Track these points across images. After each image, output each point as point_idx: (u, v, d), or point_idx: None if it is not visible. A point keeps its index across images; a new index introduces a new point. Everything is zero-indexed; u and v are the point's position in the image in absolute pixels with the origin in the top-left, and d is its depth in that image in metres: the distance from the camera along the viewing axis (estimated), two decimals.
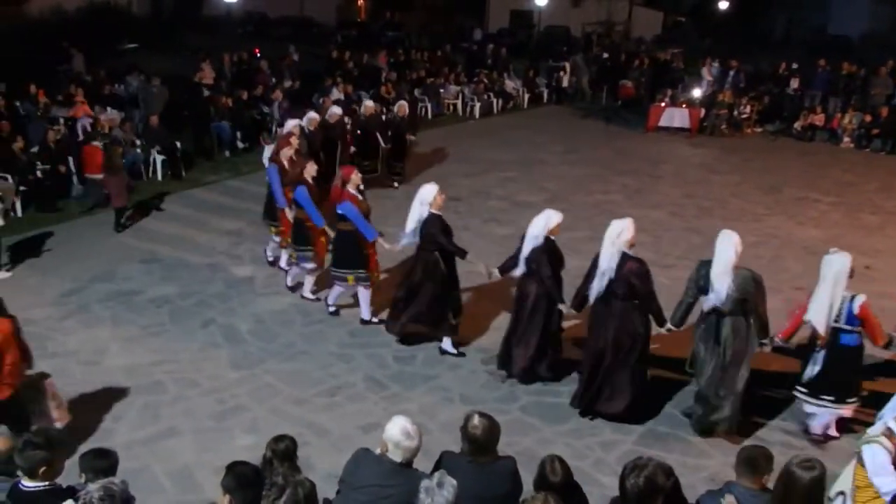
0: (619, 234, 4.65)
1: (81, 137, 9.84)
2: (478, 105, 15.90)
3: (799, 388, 4.67)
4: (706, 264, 4.59)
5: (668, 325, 4.81)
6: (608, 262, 4.65)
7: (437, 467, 2.98)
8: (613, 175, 11.43)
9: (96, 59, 15.12)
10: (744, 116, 14.97)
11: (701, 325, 4.71)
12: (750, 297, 4.50)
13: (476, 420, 2.95)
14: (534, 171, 11.45)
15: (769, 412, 5.02)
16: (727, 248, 4.49)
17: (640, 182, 11.09)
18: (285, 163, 6.67)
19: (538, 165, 11.82)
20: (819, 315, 4.43)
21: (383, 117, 10.65)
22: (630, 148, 13.47)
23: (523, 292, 5.17)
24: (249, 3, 25.28)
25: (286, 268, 6.90)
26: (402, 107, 10.37)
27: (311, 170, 6.24)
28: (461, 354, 5.70)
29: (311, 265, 6.36)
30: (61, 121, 10.28)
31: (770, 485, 2.89)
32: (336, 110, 9.77)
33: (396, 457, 2.85)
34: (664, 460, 3.16)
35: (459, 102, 16.02)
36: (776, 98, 15.52)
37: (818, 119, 14.64)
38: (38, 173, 8.76)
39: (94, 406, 4.87)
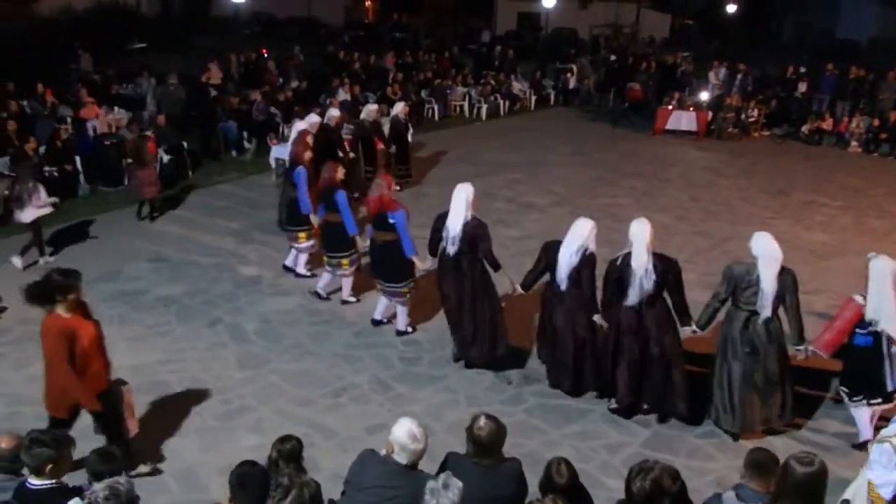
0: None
1: (93, 136, 9.89)
2: (485, 107, 15.89)
3: (875, 395, 4.57)
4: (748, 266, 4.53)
5: (690, 330, 4.80)
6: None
7: (442, 469, 2.98)
8: (620, 178, 11.40)
9: (105, 59, 15.21)
10: (751, 120, 14.91)
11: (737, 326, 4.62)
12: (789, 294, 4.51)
13: (482, 422, 2.95)
14: (540, 173, 11.43)
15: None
16: (771, 248, 4.53)
17: (647, 185, 11.06)
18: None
19: (545, 167, 11.80)
20: (890, 320, 4.34)
21: (382, 118, 10.55)
22: (637, 151, 13.44)
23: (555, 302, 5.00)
24: (257, 4, 25.39)
25: (304, 272, 6.97)
26: (402, 108, 10.33)
27: (341, 174, 6.28)
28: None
29: (348, 269, 6.34)
30: (68, 120, 10.32)
31: None
32: (335, 112, 9.61)
33: (402, 458, 2.85)
34: (670, 463, 3.15)
35: (466, 104, 16.03)
36: (784, 102, 15.46)
37: (826, 123, 14.58)
38: (46, 173, 8.80)
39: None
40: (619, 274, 4.67)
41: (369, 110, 10.14)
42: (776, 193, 10.86)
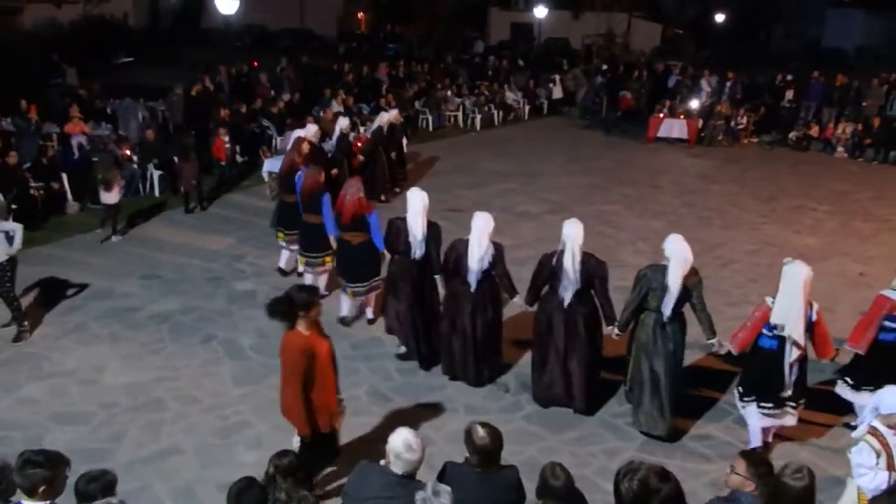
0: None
1: (77, 155, 9.78)
2: (479, 117, 15.98)
3: (766, 399, 4.50)
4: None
5: (615, 332, 4.92)
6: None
7: (440, 478, 2.98)
8: (614, 185, 11.49)
9: (91, 74, 15.06)
10: (740, 127, 15.09)
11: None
12: (694, 295, 4.62)
13: (482, 431, 2.96)
14: (535, 181, 11.49)
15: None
16: (681, 250, 4.62)
17: (640, 192, 11.14)
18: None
19: (539, 176, 11.86)
20: (796, 325, 4.29)
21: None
22: (630, 158, 13.55)
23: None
24: (249, 16, 25.43)
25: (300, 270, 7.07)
26: (396, 115, 10.58)
27: (321, 177, 6.43)
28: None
29: (327, 268, 6.62)
30: (54, 137, 10.14)
31: None
32: (345, 122, 9.89)
33: (397, 468, 2.83)
34: (666, 466, 3.16)
35: (460, 114, 16.10)
36: (772, 109, 15.65)
37: (813, 130, 14.78)
38: (32, 191, 8.66)
39: (92, 426, 4.81)
40: (551, 270, 4.87)
41: (384, 118, 10.42)
42: (766, 199, 10.98)
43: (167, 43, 21.59)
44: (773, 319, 4.35)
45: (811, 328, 4.39)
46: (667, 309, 4.59)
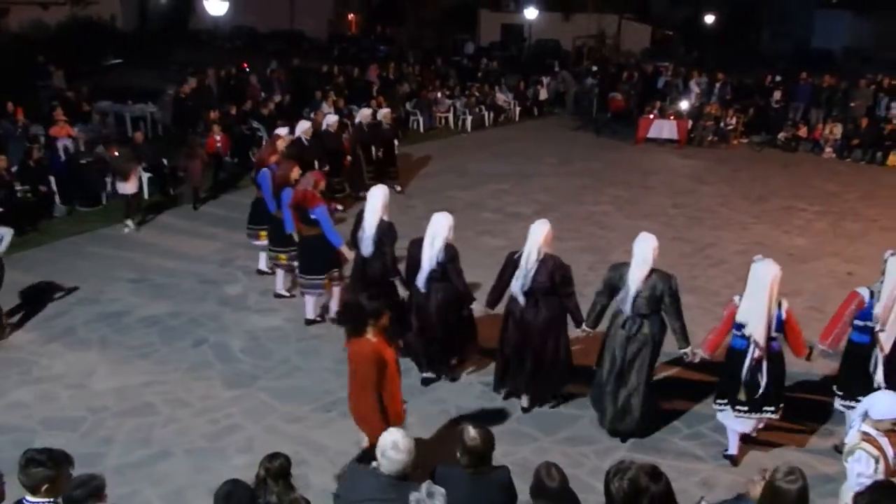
0: (544, 238, 4.77)
1: (63, 158, 9.70)
2: (469, 118, 16.00)
3: (739, 402, 4.43)
4: (623, 266, 4.65)
5: (585, 331, 4.91)
6: (532, 262, 4.79)
7: (431, 479, 2.96)
8: (604, 186, 11.53)
9: (79, 76, 14.92)
10: (729, 128, 15.20)
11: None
12: (666, 300, 4.50)
13: (473, 432, 2.96)
14: (526, 183, 11.51)
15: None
16: (643, 250, 4.52)
17: (630, 193, 11.19)
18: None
19: (530, 177, 11.89)
20: (758, 325, 4.26)
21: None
22: (620, 159, 13.61)
23: (430, 298, 5.12)
24: (239, 18, 25.32)
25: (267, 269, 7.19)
26: (386, 114, 10.57)
27: (295, 174, 6.34)
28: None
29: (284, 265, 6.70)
30: (42, 139, 10.08)
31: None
32: (333, 119, 9.86)
33: (384, 468, 2.83)
34: (658, 465, 3.17)
35: (451, 116, 16.11)
36: (761, 110, 15.78)
37: (801, 130, 14.92)
38: (19, 194, 8.59)
39: (82, 431, 4.77)
40: (513, 267, 4.90)
41: (363, 114, 10.39)
42: (756, 199, 11.06)
43: (156, 45, 21.44)
44: (738, 318, 4.33)
45: (782, 327, 4.34)
46: (625, 306, 4.55)
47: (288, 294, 6.83)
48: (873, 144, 13.91)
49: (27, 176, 8.83)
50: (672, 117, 14.93)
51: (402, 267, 5.46)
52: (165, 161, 10.40)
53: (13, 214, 8.33)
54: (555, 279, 4.79)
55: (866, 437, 3.22)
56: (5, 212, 8.25)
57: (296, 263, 6.39)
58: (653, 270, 4.51)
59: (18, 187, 8.62)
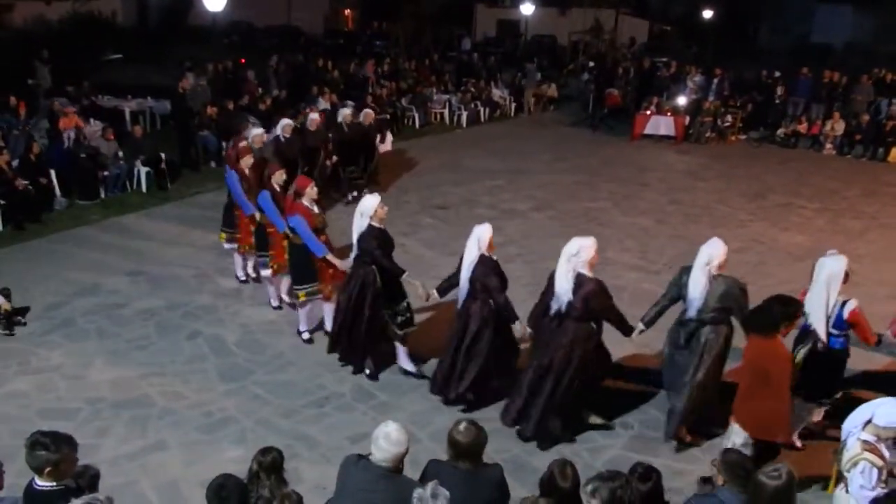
0: (576, 253, 4.44)
1: (67, 146, 9.73)
2: (465, 114, 15.98)
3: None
4: (686, 270, 4.59)
5: (638, 328, 4.74)
6: (565, 281, 4.43)
7: (423, 475, 2.99)
8: (601, 182, 11.53)
9: (79, 71, 14.92)
10: (727, 124, 15.17)
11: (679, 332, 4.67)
12: (734, 305, 4.47)
13: (462, 427, 2.97)
14: (521, 179, 11.50)
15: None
16: (702, 256, 4.51)
17: (627, 189, 11.18)
18: (246, 171, 6.58)
19: (526, 173, 11.88)
20: (818, 319, 4.36)
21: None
22: (617, 156, 13.60)
23: (466, 315, 4.90)
24: (236, 13, 25.27)
25: (242, 277, 7.03)
26: (368, 115, 10.22)
27: (278, 177, 6.14)
28: (422, 376, 5.41)
29: (268, 271, 6.34)
30: (43, 132, 10.14)
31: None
32: (315, 116, 9.65)
33: (376, 459, 2.85)
34: (651, 464, 3.19)
35: (447, 111, 16.09)
36: (760, 106, 15.74)
37: (801, 126, 14.88)
38: (20, 187, 8.59)
39: (78, 421, 4.80)
40: (546, 288, 4.75)
41: (345, 115, 10.02)
42: (754, 196, 11.04)
43: (155, 40, 21.46)
44: (805, 307, 4.41)
45: (843, 325, 4.41)
46: (690, 310, 4.54)
47: (287, 300, 6.51)
48: (874, 141, 13.87)
49: (28, 170, 8.86)
50: (669, 113, 14.90)
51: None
52: (163, 155, 10.40)
53: (14, 208, 8.39)
54: (478, 281, 4.74)
55: (868, 447, 3.15)
56: (6, 205, 8.30)
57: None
58: (718, 275, 4.47)
59: (20, 181, 8.63)
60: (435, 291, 5.16)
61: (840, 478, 3.33)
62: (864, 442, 3.17)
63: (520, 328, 4.87)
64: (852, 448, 3.21)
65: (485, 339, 4.86)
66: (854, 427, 3.28)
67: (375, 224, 5.16)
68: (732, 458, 2.97)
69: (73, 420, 4.80)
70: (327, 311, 5.86)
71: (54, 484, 2.76)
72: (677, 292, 4.65)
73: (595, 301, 4.43)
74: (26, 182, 8.58)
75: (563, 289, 4.43)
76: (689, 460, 4.67)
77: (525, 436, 4.71)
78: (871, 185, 11.95)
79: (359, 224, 5.17)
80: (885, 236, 9.36)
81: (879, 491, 3.11)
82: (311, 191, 5.61)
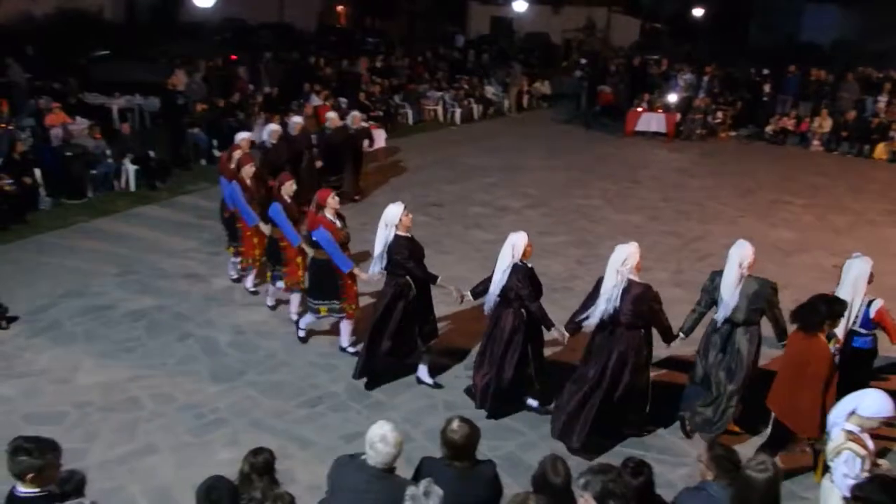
0: (623, 261, 4.43)
1: (54, 144, 9.59)
2: (458, 111, 15.95)
3: None
4: (717, 274, 4.64)
5: (679, 337, 4.77)
6: (612, 289, 4.42)
7: (417, 473, 2.98)
8: (594, 179, 11.56)
9: (65, 68, 14.74)
10: (717, 121, 15.27)
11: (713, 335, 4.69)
12: (765, 305, 4.52)
13: (455, 424, 2.95)
14: (515, 176, 11.51)
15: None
16: (733, 259, 4.55)
17: (619, 186, 11.22)
18: (248, 181, 6.43)
19: (519, 170, 11.88)
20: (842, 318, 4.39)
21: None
22: (609, 153, 13.64)
23: (498, 321, 4.82)
24: (227, 10, 25.05)
25: (252, 288, 6.79)
26: (356, 118, 9.98)
27: (288, 188, 5.94)
28: (438, 386, 5.37)
29: (282, 284, 6.17)
30: (28, 131, 9.95)
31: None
32: (297, 120, 9.40)
33: (371, 459, 2.83)
34: (643, 458, 3.18)
35: (440, 109, 16.05)
36: (749, 103, 15.84)
37: (790, 123, 15.00)
38: (4, 186, 8.46)
39: (65, 425, 4.73)
40: (591, 294, 4.72)
41: (331, 119, 9.73)
42: (744, 192, 11.13)
43: (144, 37, 21.22)
44: None
45: (870, 324, 4.52)
46: (723, 311, 4.58)
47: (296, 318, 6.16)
48: (861, 138, 14.03)
49: (12, 168, 8.71)
50: (660, 110, 14.97)
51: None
52: (152, 153, 10.29)
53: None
54: (511, 288, 4.66)
55: (852, 437, 3.20)
56: None
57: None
58: (749, 276, 4.53)
59: (4, 180, 8.49)
60: (469, 293, 5.10)
61: (827, 467, 3.36)
62: (848, 432, 3.22)
63: (556, 334, 4.78)
64: (836, 438, 3.26)
65: (517, 346, 4.76)
66: (839, 418, 3.32)
67: (402, 233, 5.01)
68: (720, 451, 2.97)
69: (60, 424, 4.72)
70: (345, 328, 5.73)
71: (37, 490, 2.70)
72: (711, 298, 4.70)
73: (644, 305, 4.45)
74: (10, 181, 8.45)
75: (614, 296, 4.41)
76: (679, 455, 4.69)
77: (573, 447, 4.56)
78: (857, 181, 12.08)
79: (384, 235, 4.99)
80: (872, 232, 9.45)
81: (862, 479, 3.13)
82: (333, 201, 5.44)
